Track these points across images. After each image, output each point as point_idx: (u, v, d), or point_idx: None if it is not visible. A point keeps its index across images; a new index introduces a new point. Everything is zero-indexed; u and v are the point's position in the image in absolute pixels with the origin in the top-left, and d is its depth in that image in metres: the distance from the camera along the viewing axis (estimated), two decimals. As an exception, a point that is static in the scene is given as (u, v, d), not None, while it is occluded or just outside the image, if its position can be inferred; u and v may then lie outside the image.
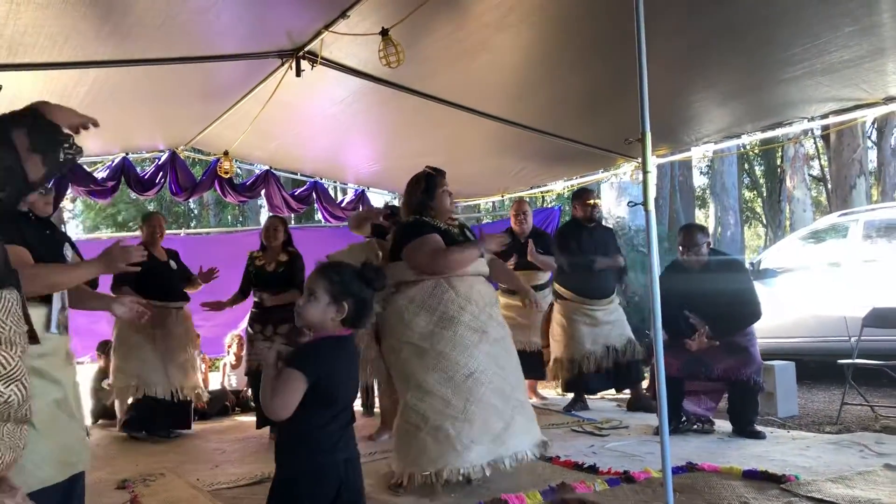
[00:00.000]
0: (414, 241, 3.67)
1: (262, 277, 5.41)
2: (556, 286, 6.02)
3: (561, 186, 8.21)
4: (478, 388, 3.51)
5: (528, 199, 7.50)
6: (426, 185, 3.83)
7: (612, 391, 6.34)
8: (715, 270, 4.81)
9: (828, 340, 6.70)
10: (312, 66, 4.94)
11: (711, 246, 4.98)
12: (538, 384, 6.71)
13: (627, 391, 6.15)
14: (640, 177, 2.96)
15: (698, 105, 5.60)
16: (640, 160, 2.92)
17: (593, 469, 3.88)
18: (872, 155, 16.75)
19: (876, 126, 16.65)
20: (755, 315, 4.77)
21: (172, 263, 5.69)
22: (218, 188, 7.44)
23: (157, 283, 5.38)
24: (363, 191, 8.38)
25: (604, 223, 6.27)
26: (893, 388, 5.30)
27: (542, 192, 8.74)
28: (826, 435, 4.71)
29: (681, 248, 4.92)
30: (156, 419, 5.50)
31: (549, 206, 9.10)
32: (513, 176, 7.66)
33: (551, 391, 7.04)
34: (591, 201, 5.97)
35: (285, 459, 2.17)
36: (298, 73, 4.96)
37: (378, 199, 8.99)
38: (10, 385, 1.50)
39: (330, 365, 2.15)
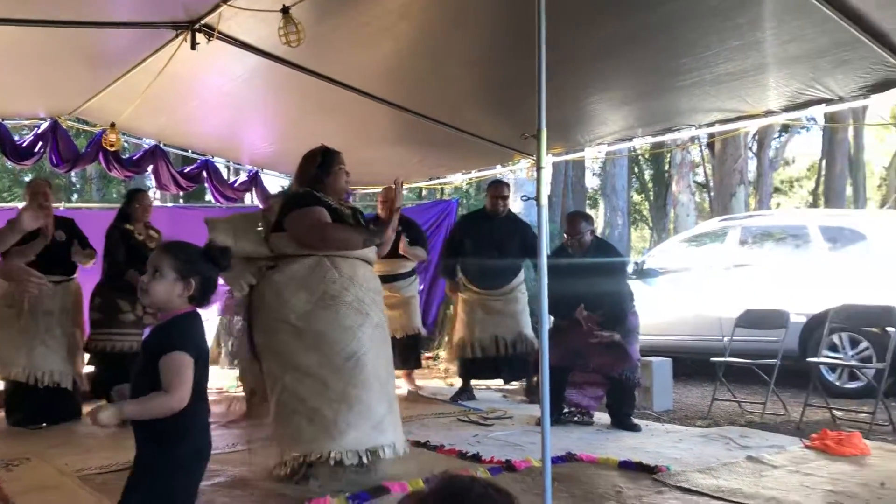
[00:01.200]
0: (298, 211, 3.54)
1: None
2: (460, 274, 6.10)
3: (459, 179, 8.28)
4: (359, 370, 3.43)
5: (424, 191, 7.54)
6: (322, 161, 3.71)
7: (501, 382, 6.46)
8: (595, 258, 4.97)
9: (703, 339, 7.06)
10: (209, 39, 4.77)
11: (594, 234, 5.16)
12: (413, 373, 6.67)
13: (516, 383, 6.29)
14: (536, 173, 3.01)
15: (594, 107, 5.75)
16: (535, 157, 2.97)
17: (476, 458, 3.94)
18: (752, 165, 17.71)
19: (756, 138, 17.63)
20: (624, 311, 4.95)
21: (60, 234, 5.18)
22: (102, 161, 7.09)
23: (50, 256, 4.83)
24: (257, 172, 8.18)
25: (515, 216, 6.32)
26: (760, 386, 5.64)
27: (440, 184, 8.79)
28: (697, 428, 4.96)
29: (566, 234, 5.07)
30: (33, 407, 5.01)
31: (448, 198, 9.13)
32: (412, 166, 7.66)
33: (438, 381, 7.11)
34: (499, 194, 6.04)
35: (171, 442, 2.07)
36: (193, 46, 4.78)
37: (273, 181, 8.80)
38: None
39: (201, 338, 2.12)
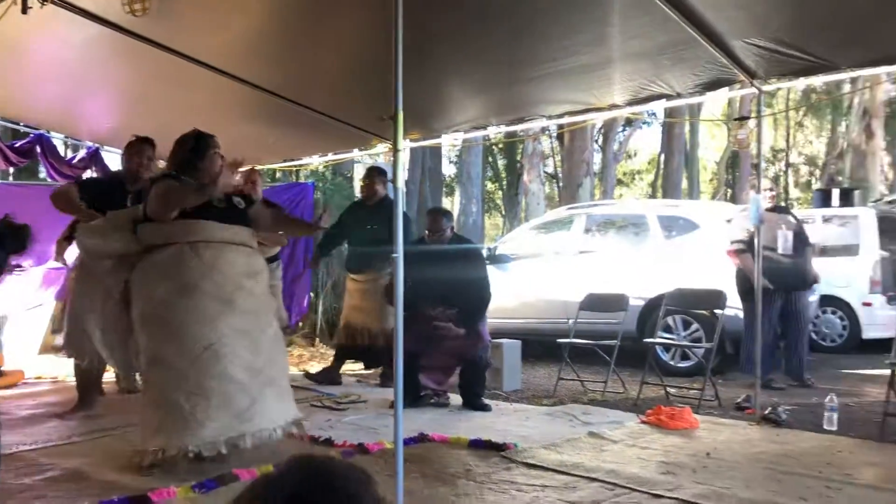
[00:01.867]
0: (150, 194, 3.47)
1: None
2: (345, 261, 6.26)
3: (316, 161, 8.15)
4: (217, 361, 3.35)
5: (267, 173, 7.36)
6: (195, 145, 3.61)
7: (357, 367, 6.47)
8: (455, 254, 5.08)
9: (550, 322, 7.35)
10: (42, 4, 4.41)
11: (454, 231, 5.27)
12: None
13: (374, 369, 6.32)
14: (393, 157, 3.01)
15: (450, 94, 5.82)
16: (392, 140, 2.96)
17: (329, 442, 3.93)
18: (598, 158, 18.58)
19: (602, 131, 18.49)
20: (485, 301, 5.12)
21: None
22: (-83, 131, 6.43)
23: None
24: (97, 149, 7.67)
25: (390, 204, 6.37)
26: (601, 365, 5.94)
27: (295, 167, 8.62)
28: (543, 407, 5.17)
29: (427, 231, 5.15)
30: None
31: (304, 181, 8.96)
32: (266, 147, 7.45)
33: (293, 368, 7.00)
34: (371, 179, 6.10)
35: None
36: (25, 9, 4.40)
37: (114, 158, 8.29)
38: None
39: None
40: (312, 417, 4.66)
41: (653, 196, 22.87)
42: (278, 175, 11.01)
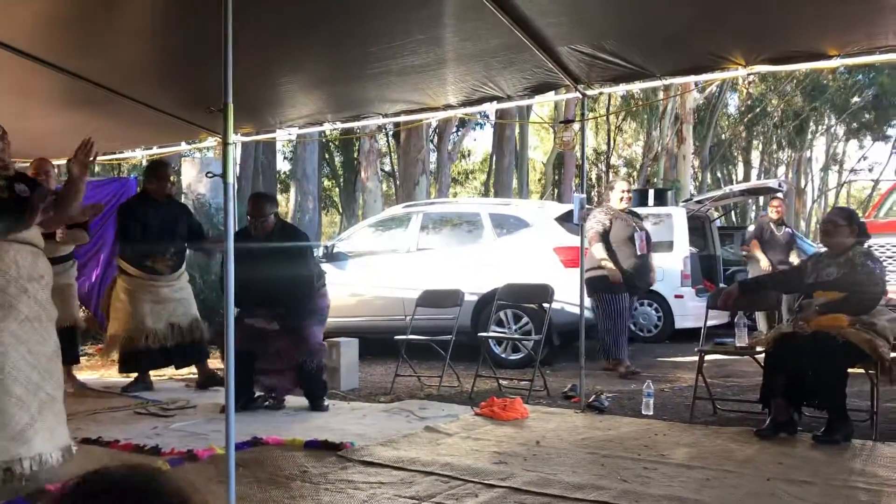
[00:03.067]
0: None
1: None
2: (120, 261, 5.68)
3: (140, 155, 7.69)
4: (20, 368, 3.06)
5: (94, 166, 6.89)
6: None
7: (173, 370, 6.14)
8: (279, 240, 4.96)
9: (388, 319, 7.38)
10: None
11: (280, 218, 5.14)
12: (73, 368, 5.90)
13: (194, 371, 6.01)
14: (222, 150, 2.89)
15: (284, 88, 5.68)
16: (222, 133, 2.84)
17: (155, 451, 3.72)
18: (434, 157, 18.87)
19: (437, 131, 18.81)
20: (312, 295, 5.04)
21: None
22: None
23: None
24: None
25: (180, 200, 6.07)
26: (437, 360, 6.03)
27: (116, 160, 8.11)
28: (381, 404, 5.18)
29: (248, 216, 4.99)
30: None
31: (125, 175, 8.46)
32: (80, 138, 6.93)
33: (95, 373, 6.57)
34: (164, 175, 5.81)
35: None
36: None
37: None
38: None
39: None
40: (136, 425, 4.41)
41: (486, 195, 23.58)
42: (97, 169, 10.32)
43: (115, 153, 7.58)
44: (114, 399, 5.32)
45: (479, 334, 6.23)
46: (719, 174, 31.23)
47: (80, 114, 6.18)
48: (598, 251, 6.37)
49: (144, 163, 8.25)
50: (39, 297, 3.30)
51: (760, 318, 8.15)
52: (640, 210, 7.69)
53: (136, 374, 5.73)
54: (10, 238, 3.21)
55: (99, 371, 6.60)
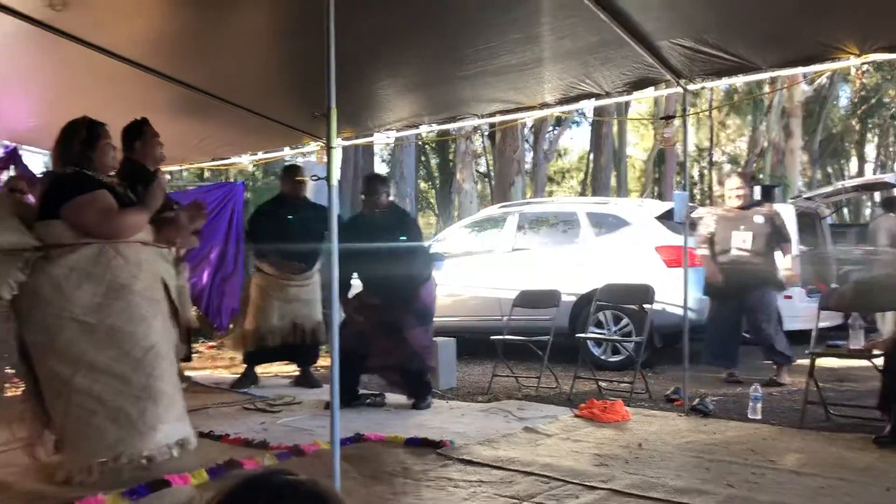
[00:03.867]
0: (80, 198, 3.21)
1: None
2: (255, 260, 6.00)
3: (247, 160, 7.99)
4: (159, 362, 3.24)
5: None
6: (87, 135, 3.38)
7: (279, 367, 6.38)
8: (392, 221, 5.09)
9: (484, 319, 7.40)
10: (-44, -4, 4.21)
11: (391, 198, 5.24)
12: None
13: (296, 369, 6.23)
14: (326, 156, 2.98)
15: (382, 92, 5.79)
16: (326, 137, 2.93)
17: (263, 445, 3.86)
18: (529, 157, 18.81)
19: (533, 130, 18.72)
20: (424, 272, 5.10)
21: None
22: None
23: None
24: (15, 148, 7.36)
25: (313, 202, 6.27)
26: (535, 361, 6.01)
27: (224, 166, 8.44)
28: (479, 404, 5.20)
29: (362, 195, 5.13)
30: None
31: (233, 180, 8.80)
32: (194, 146, 7.28)
33: (223, 371, 6.87)
34: (298, 177, 6.00)
35: None
36: (-63, 2, 4.20)
37: (35, 158, 7.97)
38: None
39: None
40: (245, 420, 4.59)
41: (582, 194, 23.28)
42: (206, 175, 10.79)
43: (222, 159, 7.92)
44: (223, 395, 5.55)
45: (578, 335, 6.17)
46: (830, 169, 29.76)
47: (192, 123, 6.50)
48: (700, 252, 6.18)
49: (251, 168, 8.58)
50: (169, 294, 3.54)
51: (889, 318, 7.59)
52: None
53: (244, 370, 6.00)
54: (139, 239, 3.40)
55: (208, 369, 6.90)
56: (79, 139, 3.38)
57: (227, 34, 4.90)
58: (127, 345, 3.19)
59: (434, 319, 5.33)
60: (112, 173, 3.59)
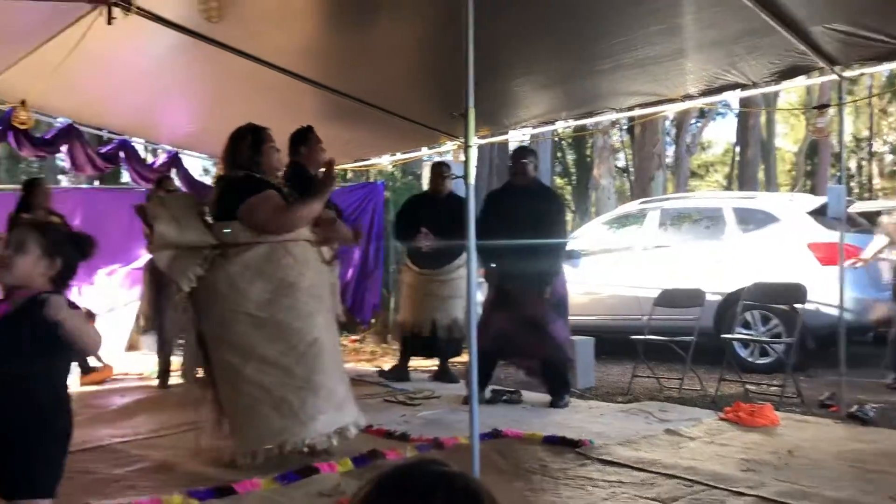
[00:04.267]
0: (252, 200, 3.44)
1: None
2: (403, 255, 6.25)
3: (386, 161, 8.23)
4: (321, 356, 3.46)
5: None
6: (253, 140, 3.61)
7: (427, 363, 6.51)
8: (535, 194, 5.10)
9: (623, 318, 7.25)
10: (126, 13, 4.60)
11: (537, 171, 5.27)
12: None
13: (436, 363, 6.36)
14: (463, 155, 3.04)
15: (518, 90, 5.80)
16: (462, 138, 2.99)
17: (404, 437, 3.97)
18: (671, 150, 18.23)
19: (675, 123, 18.12)
20: (560, 245, 5.11)
21: None
22: (12, 141, 6.74)
23: None
24: (177, 153, 7.95)
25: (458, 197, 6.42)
26: (676, 362, 5.84)
27: (365, 167, 8.73)
28: (618, 404, 5.11)
29: (510, 163, 5.21)
30: None
31: (373, 180, 9.06)
32: (338, 148, 7.56)
33: (365, 364, 7.11)
34: (445, 173, 6.12)
35: (53, 414, 2.12)
36: (110, 20, 4.60)
37: (194, 162, 8.57)
38: None
39: None
40: (387, 412, 4.73)
41: (728, 188, 22.32)
42: (349, 175, 11.17)
43: (364, 160, 8.19)
44: (366, 387, 5.75)
45: (724, 336, 5.92)
46: None
47: (338, 126, 6.77)
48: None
49: (390, 168, 8.82)
50: (332, 290, 3.81)
51: None
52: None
53: (398, 362, 6.26)
54: (304, 237, 3.61)
55: (351, 362, 7.16)
56: (246, 144, 3.61)
57: (369, 41, 5.08)
58: (293, 339, 3.41)
59: (569, 315, 5.29)
60: (279, 174, 3.81)
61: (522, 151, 5.31)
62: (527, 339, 4.93)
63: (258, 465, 3.28)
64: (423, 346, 6.13)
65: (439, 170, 6.23)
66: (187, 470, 3.42)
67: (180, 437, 4.03)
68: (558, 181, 25.50)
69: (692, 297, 5.92)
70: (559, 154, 23.57)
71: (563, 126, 6.57)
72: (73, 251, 2.14)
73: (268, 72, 5.44)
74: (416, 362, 6.51)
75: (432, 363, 6.49)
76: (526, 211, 4.90)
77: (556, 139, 18.24)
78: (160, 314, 5.85)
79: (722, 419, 4.45)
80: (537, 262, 4.87)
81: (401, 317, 6.20)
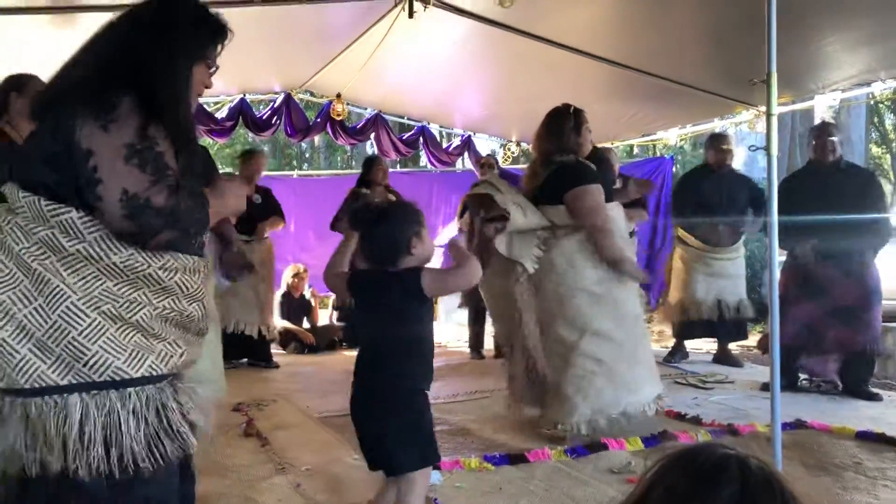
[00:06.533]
0: (581, 188, 3.51)
1: None
2: (680, 231, 5.90)
3: (673, 136, 7.92)
4: (642, 329, 3.67)
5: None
6: (575, 122, 3.67)
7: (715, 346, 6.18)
8: (845, 174, 4.60)
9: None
10: (425, 7, 4.94)
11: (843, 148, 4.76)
12: None
13: (736, 346, 6.03)
14: (760, 125, 2.84)
15: (827, 50, 5.24)
16: (760, 107, 2.79)
17: (696, 420, 3.84)
18: None
19: None
20: (881, 236, 4.51)
21: (257, 197, 5.71)
22: (330, 131, 7.59)
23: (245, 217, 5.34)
24: (469, 136, 8.37)
25: (738, 172, 6.03)
26: None
27: (652, 141, 8.49)
28: (950, 401, 4.47)
29: (813, 142, 4.73)
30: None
31: (661, 155, 8.76)
32: (624, 122, 7.45)
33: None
34: (725, 146, 5.75)
35: (423, 381, 2.28)
36: (411, 14, 4.97)
37: (484, 144, 8.95)
38: (192, 303, 1.69)
39: None
40: (677, 394, 4.59)
41: None
42: (635, 151, 10.96)
43: (650, 134, 7.97)
44: (657, 367, 5.62)
45: None
46: None
47: (622, 100, 6.69)
48: None
49: (678, 143, 8.47)
50: None
51: None
52: None
53: (674, 343, 6.01)
54: None
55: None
56: (569, 126, 3.66)
57: (656, 9, 4.90)
58: (622, 314, 3.53)
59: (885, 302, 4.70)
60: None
61: (826, 127, 4.74)
62: (840, 329, 4.46)
63: (582, 434, 3.37)
64: (704, 327, 5.79)
65: (718, 142, 5.80)
66: (482, 435, 3.62)
67: (475, 404, 4.28)
68: (874, 149, 22.73)
69: None
70: (875, 119, 20.97)
71: (882, 88, 5.79)
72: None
73: (553, 51, 5.50)
74: (698, 343, 6.25)
75: (705, 344, 6.16)
76: (836, 192, 4.43)
77: (872, 103, 16.24)
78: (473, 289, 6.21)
79: None
80: (857, 243, 4.42)
81: (676, 296, 5.85)
